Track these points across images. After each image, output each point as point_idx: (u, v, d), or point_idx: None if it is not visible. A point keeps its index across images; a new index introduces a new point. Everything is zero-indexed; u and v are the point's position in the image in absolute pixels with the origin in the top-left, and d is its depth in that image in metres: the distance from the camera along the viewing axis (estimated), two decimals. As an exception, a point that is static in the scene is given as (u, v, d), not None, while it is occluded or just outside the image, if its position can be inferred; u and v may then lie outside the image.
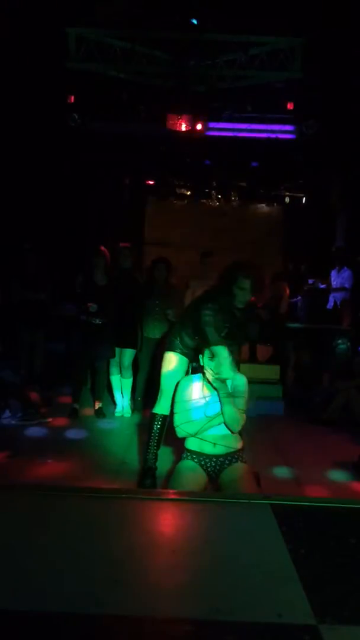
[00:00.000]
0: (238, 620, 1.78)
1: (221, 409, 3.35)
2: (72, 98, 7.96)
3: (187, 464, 3.44)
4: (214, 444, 3.41)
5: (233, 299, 3.75)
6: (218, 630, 1.73)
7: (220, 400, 3.35)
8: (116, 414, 5.88)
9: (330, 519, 2.53)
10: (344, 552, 2.21)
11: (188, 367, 4.05)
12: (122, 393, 5.91)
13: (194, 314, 3.69)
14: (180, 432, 3.46)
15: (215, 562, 2.12)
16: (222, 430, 3.39)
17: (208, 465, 3.42)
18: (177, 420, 3.46)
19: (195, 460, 3.44)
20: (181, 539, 2.33)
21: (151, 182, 10.58)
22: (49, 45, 7.13)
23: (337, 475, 4.37)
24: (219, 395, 3.36)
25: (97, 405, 5.82)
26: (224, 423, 3.36)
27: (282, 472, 4.40)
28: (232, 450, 3.44)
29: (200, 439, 3.42)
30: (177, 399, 3.52)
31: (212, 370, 3.36)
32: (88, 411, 5.82)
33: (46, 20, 6.83)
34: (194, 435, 3.41)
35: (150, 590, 1.93)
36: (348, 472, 4.43)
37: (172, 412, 3.57)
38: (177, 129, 7.92)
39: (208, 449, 3.42)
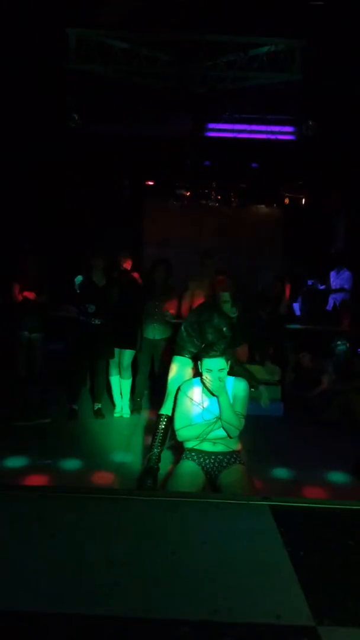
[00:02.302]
0: (237, 621, 1.78)
1: (220, 415, 3.36)
2: (72, 99, 7.96)
3: (187, 464, 3.46)
4: (214, 442, 3.43)
5: (221, 313, 3.96)
6: (217, 632, 1.73)
7: (219, 406, 3.36)
8: (115, 415, 5.88)
9: (329, 521, 2.53)
10: (343, 553, 2.22)
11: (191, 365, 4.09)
12: (121, 394, 5.91)
13: (197, 327, 3.89)
14: (181, 435, 3.48)
15: (214, 563, 2.13)
16: (222, 431, 3.41)
17: (207, 463, 3.43)
18: (178, 424, 3.48)
19: (195, 459, 3.46)
20: (180, 540, 2.33)
21: (151, 183, 10.58)
22: (49, 46, 7.12)
23: (336, 477, 4.37)
24: (218, 401, 3.37)
25: (96, 405, 5.82)
26: (222, 428, 3.38)
27: (281, 473, 4.39)
28: (230, 450, 3.46)
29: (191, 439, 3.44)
30: (177, 402, 3.54)
31: (210, 377, 3.37)
32: (87, 412, 5.82)
33: (46, 20, 6.82)
34: (195, 438, 3.43)
35: (149, 591, 1.94)
36: (347, 473, 4.43)
37: (173, 416, 3.59)
38: (177, 129, 7.94)
39: (207, 447, 3.45)
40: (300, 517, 2.55)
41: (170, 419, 3.93)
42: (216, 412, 3.40)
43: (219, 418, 3.37)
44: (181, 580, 2.01)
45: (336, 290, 8.71)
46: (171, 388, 3.96)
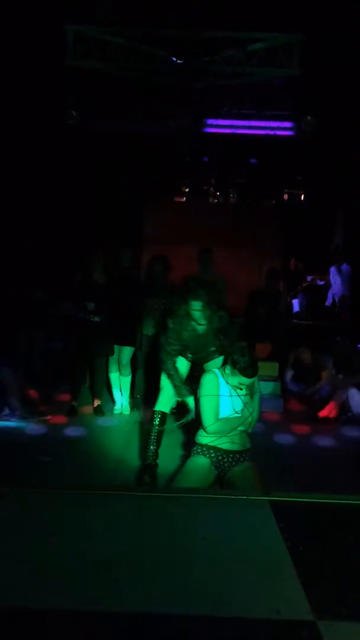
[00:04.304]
0: (237, 616, 1.78)
1: (252, 406, 3.37)
2: (70, 95, 7.96)
3: (199, 460, 3.41)
4: (232, 441, 3.40)
5: (189, 320, 3.82)
6: (217, 627, 1.73)
7: (251, 398, 3.38)
8: (115, 412, 5.87)
9: (329, 516, 2.54)
10: (342, 548, 2.22)
11: (188, 364, 4.08)
12: (120, 390, 5.91)
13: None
14: (211, 431, 3.37)
15: (214, 558, 2.13)
16: (240, 427, 3.40)
17: (225, 461, 3.39)
18: (207, 420, 3.37)
19: (212, 455, 3.39)
20: (180, 536, 2.33)
21: (149, 180, 10.57)
22: (47, 42, 7.11)
23: (336, 472, 4.37)
24: (249, 392, 3.37)
25: (96, 402, 5.81)
26: (252, 420, 3.38)
27: (280, 469, 4.39)
28: (246, 448, 3.46)
29: (220, 435, 3.39)
30: (202, 399, 3.43)
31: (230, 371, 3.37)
32: (87, 409, 5.81)
33: (45, 17, 6.81)
34: (226, 434, 3.37)
35: (149, 586, 1.94)
36: (347, 469, 4.44)
37: (197, 411, 3.52)
38: (176, 125, 7.94)
39: (226, 445, 3.39)
40: (300, 512, 2.56)
41: (165, 416, 3.93)
42: (241, 403, 3.37)
43: (250, 413, 3.36)
44: (181, 576, 2.01)
45: (336, 286, 8.72)
46: (164, 383, 3.96)
